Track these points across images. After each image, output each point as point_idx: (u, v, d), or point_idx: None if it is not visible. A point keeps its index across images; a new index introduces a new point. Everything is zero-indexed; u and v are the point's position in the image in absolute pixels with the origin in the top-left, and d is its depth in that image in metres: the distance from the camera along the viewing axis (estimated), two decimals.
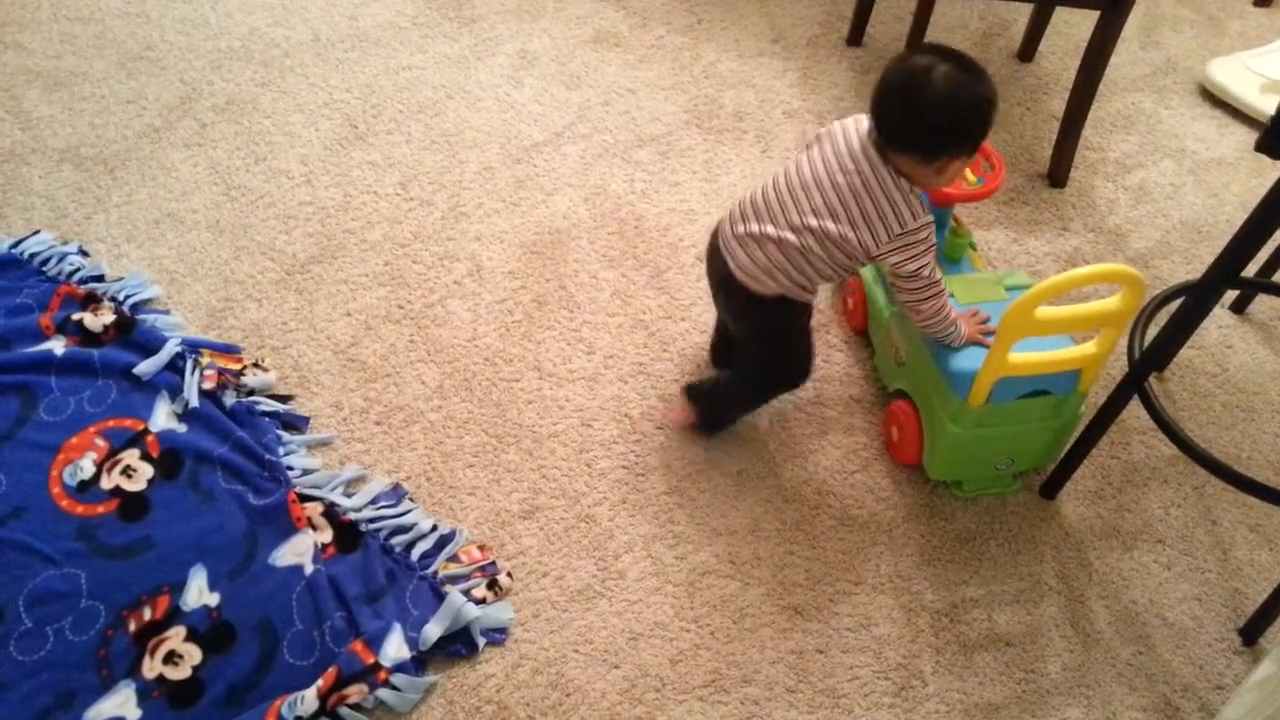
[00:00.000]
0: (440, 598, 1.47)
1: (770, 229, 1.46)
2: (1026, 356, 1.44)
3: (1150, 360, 1.48)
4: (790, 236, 1.45)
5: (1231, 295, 1.97)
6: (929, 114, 1.36)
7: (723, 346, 1.74)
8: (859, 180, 1.42)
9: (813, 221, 1.44)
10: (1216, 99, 2.41)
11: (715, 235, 1.55)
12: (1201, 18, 2.67)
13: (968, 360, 1.49)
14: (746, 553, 1.56)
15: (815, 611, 1.50)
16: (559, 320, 1.83)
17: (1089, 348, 1.47)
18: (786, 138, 2.21)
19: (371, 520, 1.55)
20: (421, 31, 2.37)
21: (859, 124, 1.46)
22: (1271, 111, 2.33)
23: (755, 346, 1.59)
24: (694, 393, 1.64)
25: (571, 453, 1.65)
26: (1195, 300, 1.44)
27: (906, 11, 2.36)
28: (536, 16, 2.44)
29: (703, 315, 1.85)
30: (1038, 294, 1.34)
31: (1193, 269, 2.03)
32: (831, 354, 1.82)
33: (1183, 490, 1.69)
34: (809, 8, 2.54)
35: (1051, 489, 1.66)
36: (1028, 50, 2.45)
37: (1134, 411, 1.73)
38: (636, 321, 1.84)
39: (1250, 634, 1.52)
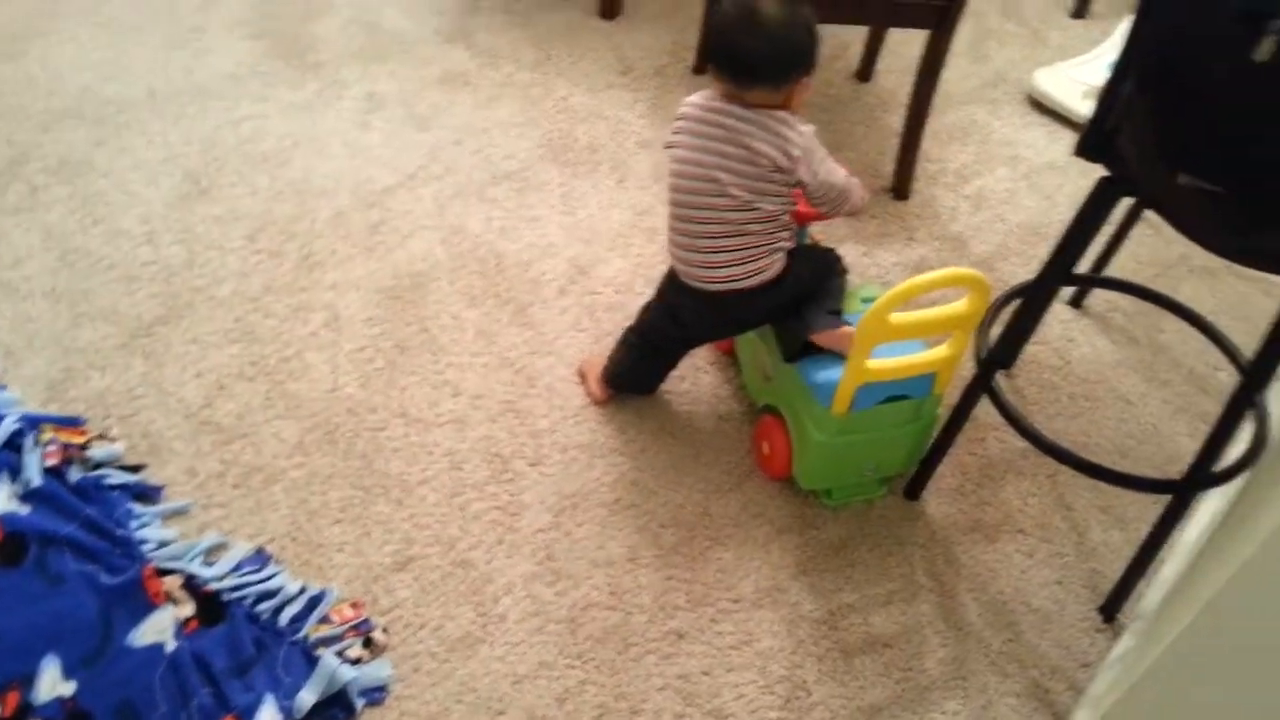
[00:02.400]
0: (313, 662, 1.42)
1: (708, 236, 1.52)
2: (884, 362, 1.49)
3: (996, 359, 1.54)
4: (724, 226, 1.50)
5: (1070, 291, 2.07)
6: (770, 45, 1.44)
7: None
8: (734, 135, 1.48)
9: (729, 196, 1.48)
10: (1044, 107, 2.54)
11: (684, 292, 1.59)
12: (1025, 31, 2.81)
13: (829, 371, 1.53)
14: (627, 582, 1.55)
15: (698, 634, 1.51)
16: (422, 364, 1.80)
17: (942, 350, 1.52)
18: (641, 167, 2.24)
19: (235, 588, 1.49)
20: (263, 80, 2.32)
21: (703, 99, 1.52)
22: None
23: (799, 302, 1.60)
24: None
25: (443, 498, 1.62)
26: (1031, 300, 1.51)
27: None
28: (382, 59, 2.42)
29: (568, 348, 1.86)
30: (889, 301, 1.39)
31: (1031, 269, 2.13)
32: (698, 375, 1.84)
33: (1037, 480, 1.76)
34: (655, 39, 2.59)
35: (915, 490, 1.71)
36: (865, 70, 2.54)
37: (987, 409, 1.80)
38: (502, 360, 1.83)
39: (1109, 611, 1.59)
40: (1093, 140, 1.29)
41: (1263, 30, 0.99)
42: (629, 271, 2.01)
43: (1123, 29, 2.72)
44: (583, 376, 1.80)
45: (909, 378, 1.53)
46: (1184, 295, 2.10)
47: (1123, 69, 1.20)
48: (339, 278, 1.93)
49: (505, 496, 1.63)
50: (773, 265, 1.55)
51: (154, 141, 2.15)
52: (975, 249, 2.16)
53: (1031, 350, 1.95)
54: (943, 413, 1.64)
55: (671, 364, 1.77)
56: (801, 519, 1.66)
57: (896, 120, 2.35)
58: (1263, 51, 1.00)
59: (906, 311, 1.44)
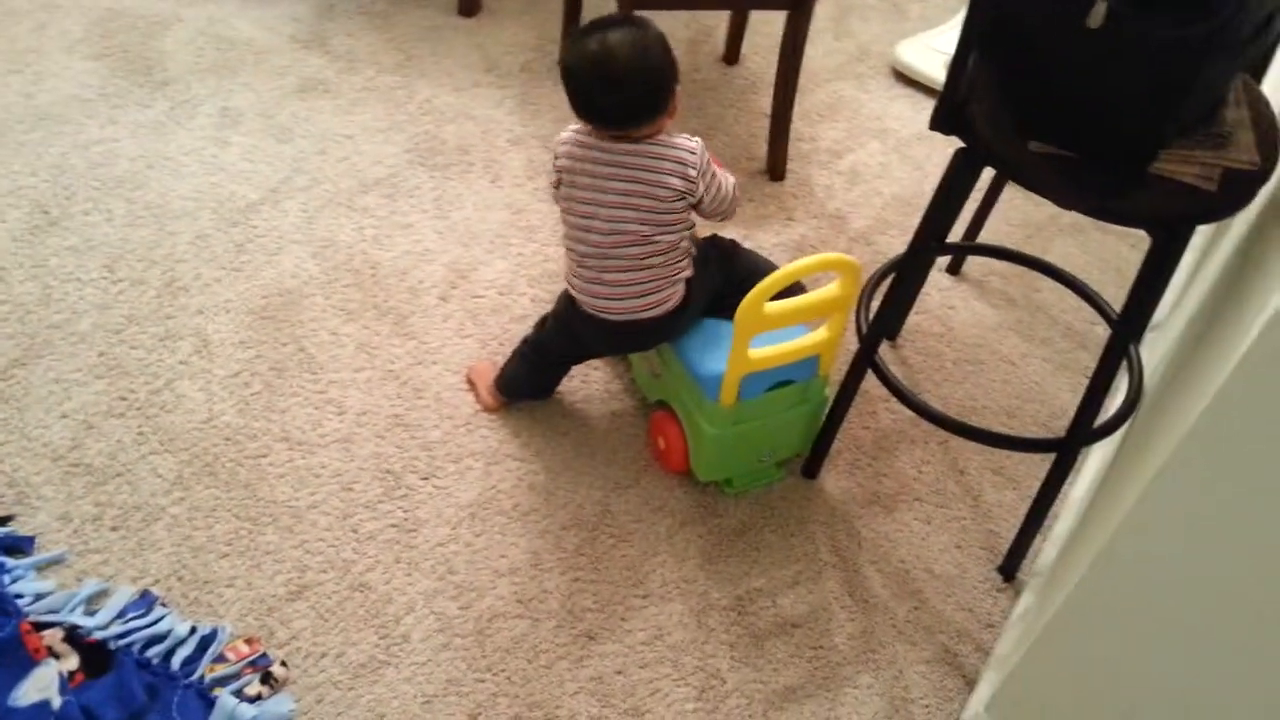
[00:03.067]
0: (210, 704, 1.36)
1: (612, 271, 1.50)
2: (765, 351, 1.49)
3: (876, 334, 1.55)
4: (627, 261, 1.49)
5: (948, 259, 2.11)
6: (636, 89, 1.42)
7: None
8: (630, 172, 1.46)
9: (630, 233, 1.47)
10: (908, 79, 2.59)
11: (587, 320, 1.56)
12: (885, 4, 2.86)
13: (714, 363, 1.53)
14: (532, 589, 1.53)
15: (608, 633, 1.49)
16: (302, 385, 1.74)
17: (821, 334, 1.53)
18: (514, 164, 2.20)
19: (121, 635, 1.42)
20: (110, 102, 2.21)
21: (584, 136, 1.49)
22: None
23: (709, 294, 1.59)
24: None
25: (335, 521, 1.57)
26: (904, 273, 1.53)
27: None
28: (234, 72, 2.33)
29: (454, 356, 1.81)
30: (761, 292, 1.39)
31: (909, 239, 2.16)
32: (590, 373, 1.82)
33: (929, 448, 1.79)
34: (518, 34, 2.55)
35: (812, 469, 1.72)
36: (732, 53, 2.55)
37: (875, 382, 1.82)
38: (385, 373, 1.78)
39: (1008, 570, 1.63)
40: (945, 114, 1.31)
41: None
42: (510, 272, 1.97)
43: None
44: (471, 384, 1.76)
45: (793, 363, 1.53)
46: (1055, 255, 2.17)
47: (966, 41, 1.22)
48: (206, 302, 1.84)
49: (400, 513, 1.59)
50: (676, 294, 1.54)
51: None
52: (853, 224, 2.19)
53: (914, 320, 1.98)
54: (831, 391, 1.65)
55: (564, 373, 1.75)
56: (703, 508, 1.66)
57: (766, 101, 2.36)
58: (1095, 17, 1.02)
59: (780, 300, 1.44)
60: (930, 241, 1.46)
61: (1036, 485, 1.56)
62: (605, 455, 1.71)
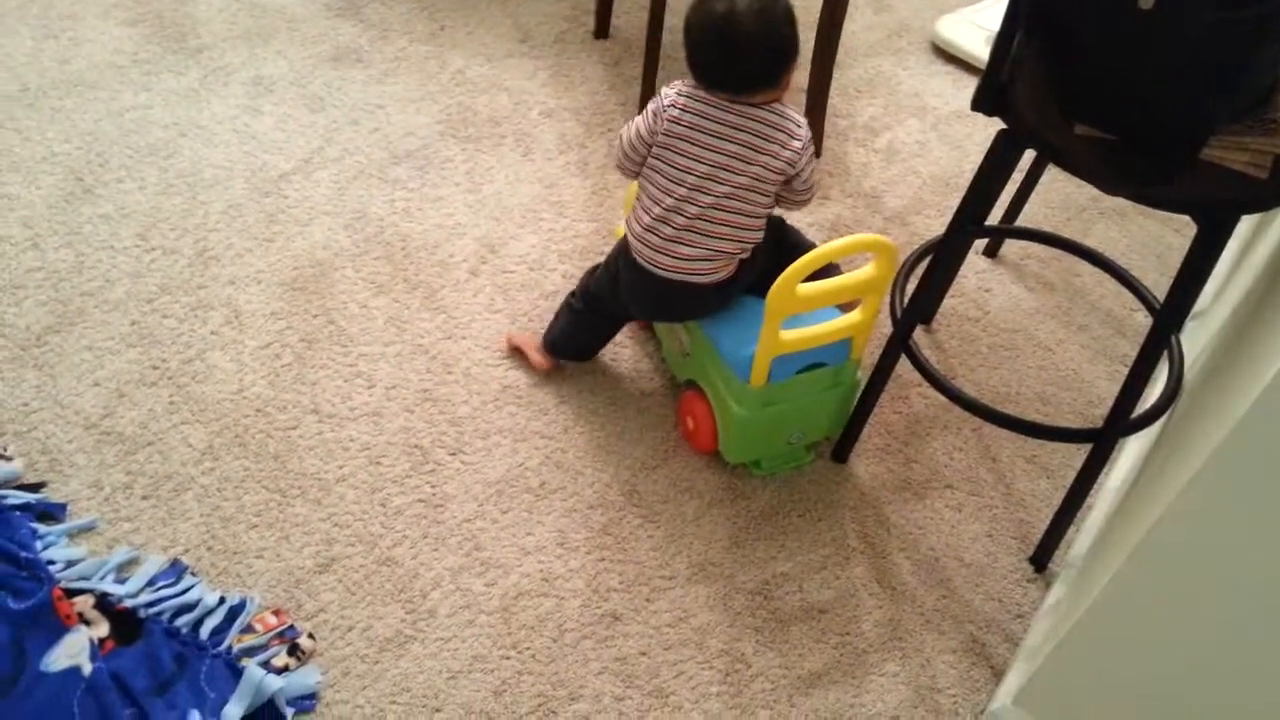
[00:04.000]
0: (238, 674, 1.37)
1: (687, 229, 1.48)
2: (797, 332, 1.47)
3: (911, 318, 1.53)
4: (708, 223, 1.48)
5: (985, 241, 2.08)
6: (760, 54, 1.42)
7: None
8: (738, 136, 1.45)
9: (722, 195, 1.46)
10: (949, 55, 2.54)
11: (636, 270, 1.54)
12: None
13: (745, 344, 1.51)
14: (558, 567, 1.52)
15: (633, 614, 1.49)
16: (332, 357, 1.74)
17: (855, 316, 1.51)
18: (547, 138, 2.18)
19: (150, 604, 1.43)
20: (143, 69, 2.20)
21: (693, 93, 1.47)
22: None
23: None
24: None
25: (363, 495, 1.57)
26: (941, 255, 1.50)
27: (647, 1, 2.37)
28: (268, 39, 2.32)
29: (483, 331, 1.81)
30: (794, 273, 1.37)
31: (946, 221, 2.12)
32: (619, 351, 1.81)
33: (962, 434, 1.77)
34: (552, 4, 2.52)
35: (842, 453, 1.70)
36: None
37: (908, 366, 1.80)
38: (415, 347, 1.77)
39: (1040, 561, 1.61)
40: (987, 94, 1.28)
41: None
42: (541, 248, 1.96)
43: None
44: (516, 350, 1.76)
45: (825, 345, 1.51)
46: (1095, 238, 2.13)
47: (1011, 21, 1.19)
48: (238, 272, 1.85)
49: (427, 489, 1.59)
50: (730, 268, 1.53)
51: (30, 139, 2.03)
52: (889, 204, 2.15)
53: (950, 304, 1.95)
54: (864, 375, 1.63)
55: (613, 331, 1.74)
56: (731, 490, 1.64)
57: (803, 76, 2.32)
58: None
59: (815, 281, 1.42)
60: (968, 224, 1.43)
61: (1071, 474, 1.53)
62: (633, 434, 1.70)
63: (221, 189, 1.98)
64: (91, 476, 1.55)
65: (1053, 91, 1.17)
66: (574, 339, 1.72)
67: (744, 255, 1.54)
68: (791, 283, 1.38)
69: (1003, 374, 1.87)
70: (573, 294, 1.70)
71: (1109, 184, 1.20)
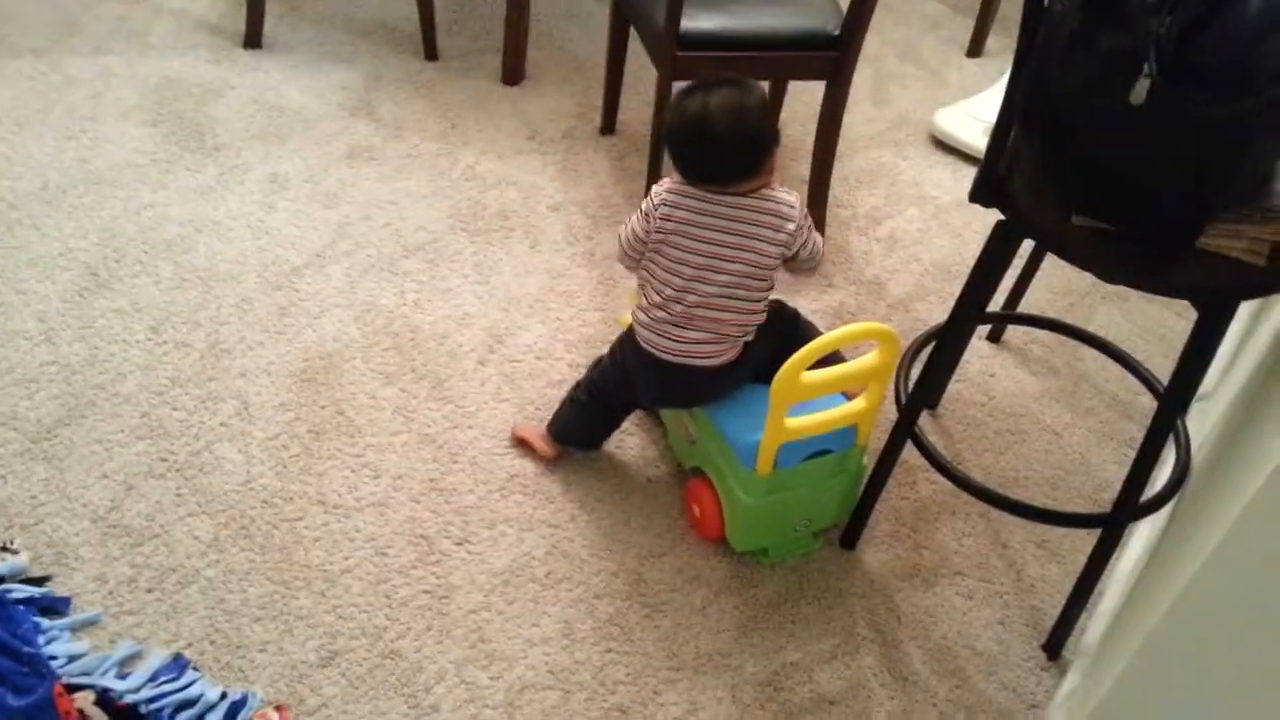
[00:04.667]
0: None
1: (690, 318, 1.51)
2: (803, 420, 1.47)
3: (916, 404, 1.54)
4: (710, 309, 1.51)
5: (987, 326, 2.09)
6: (736, 148, 1.47)
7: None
8: (731, 226, 1.49)
9: (720, 285, 1.50)
10: (947, 146, 2.59)
11: (643, 358, 1.57)
12: (924, 72, 2.87)
13: (750, 431, 1.51)
14: (564, 659, 1.51)
15: (640, 708, 1.46)
16: (340, 448, 1.75)
17: (859, 403, 1.51)
18: (554, 230, 2.22)
19: (151, 700, 1.41)
20: (161, 167, 2.26)
21: (684, 188, 1.51)
22: None
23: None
24: None
25: (368, 586, 1.56)
26: (944, 342, 1.51)
27: (652, 97, 2.43)
28: (284, 138, 2.38)
29: (490, 420, 1.82)
30: (799, 361, 1.38)
31: (948, 307, 2.12)
32: (624, 437, 1.81)
33: (971, 519, 1.76)
34: (560, 101, 2.59)
35: (850, 539, 1.69)
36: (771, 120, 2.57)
37: (915, 452, 1.80)
38: (422, 436, 1.78)
39: (1053, 648, 1.58)
40: (985, 186, 1.30)
41: (1136, 73, 1.01)
42: (548, 337, 1.98)
43: None
44: (521, 441, 1.77)
45: (830, 432, 1.52)
46: (1098, 323, 2.14)
47: (1007, 114, 1.22)
48: (248, 364, 1.87)
49: (433, 579, 1.58)
50: (735, 349, 1.55)
51: (49, 235, 2.07)
52: (892, 291, 2.18)
53: (955, 388, 1.96)
54: (870, 460, 1.63)
55: (619, 421, 1.75)
56: (739, 578, 1.63)
57: (805, 168, 2.37)
58: (1138, 94, 1.01)
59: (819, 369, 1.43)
60: (971, 311, 1.45)
61: (1082, 560, 1.52)
62: (640, 522, 1.69)
63: (235, 283, 2.02)
64: (97, 570, 1.55)
65: (1049, 183, 1.19)
66: (580, 429, 1.73)
67: (747, 337, 1.56)
68: (796, 371, 1.39)
69: (1010, 459, 1.87)
70: (577, 386, 1.72)
71: (1107, 273, 1.21)
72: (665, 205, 1.52)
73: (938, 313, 2.14)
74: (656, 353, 1.55)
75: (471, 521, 1.66)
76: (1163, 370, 1.48)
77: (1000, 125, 1.23)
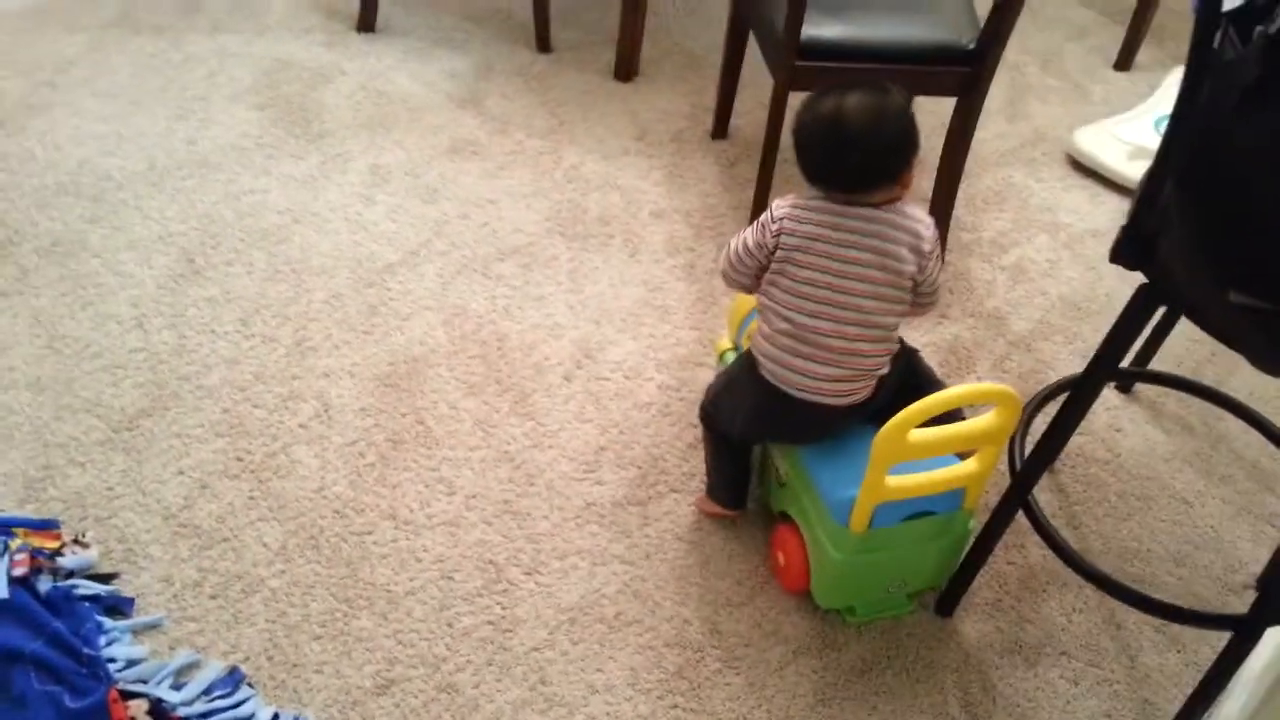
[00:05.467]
0: None
1: (825, 347, 1.38)
2: (905, 479, 1.35)
3: (1033, 471, 1.40)
4: (848, 342, 1.39)
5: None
6: (876, 150, 1.35)
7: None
8: (867, 241, 1.37)
9: (859, 310, 1.37)
10: (1086, 168, 2.39)
11: (773, 394, 1.43)
12: (1067, 85, 2.67)
13: (846, 485, 1.39)
14: (626, 711, 1.42)
15: None
16: (416, 459, 1.69)
17: (970, 465, 1.38)
18: (655, 239, 2.12)
19: (204, 715, 1.38)
20: (266, 152, 2.24)
21: (811, 203, 1.39)
22: (1138, 176, 2.33)
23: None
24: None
25: (431, 611, 1.50)
26: (1070, 405, 1.37)
27: (769, 100, 2.31)
28: (389, 128, 2.34)
29: (571, 441, 1.74)
30: (908, 420, 1.26)
31: (1074, 349, 1.98)
32: None
33: (1083, 594, 1.60)
34: (672, 102, 2.48)
35: (948, 606, 1.56)
36: None
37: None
38: (500, 454, 1.71)
39: None
40: (1130, 246, 1.16)
41: None
42: (639, 354, 1.89)
43: (1169, 83, 2.57)
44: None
45: (936, 493, 1.39)
46: (1240, 379, 1.94)
47: (1161, 170, 1.07)
48: (333, 364, 1.83)
49: (498, 610, 1.51)
50: (869, 387, 1.43)
51: (150, 218, 2.07)
52: (1014, 327, 2.02)
53: (1076, 442, 1.80)
54: (977, 523, 1.49)
55: (745, 460, 1.62)
56: (821, 638, 1.52)
57: (928, 185, 2.22)
58: None
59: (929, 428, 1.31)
60: (1105, 372, 1.30)
61: (1206, 650, 1.38)
62: (719, 565, 1.59)
63: (327, 277, 1.98)
64: (164, 570, 1.53)
65: (1204, 252, 1.04)
66: (715, 475, 1.62)
67: (883, 370, 1.43)
68: (904, 430, 1.26)
69: (1132, 527, 1.70)
70: (703, 417, 1.59)
71: (1264, 360, 1.06)
72: (787, 220, 1.39)
73: (1063, 355, 1.97)
74: (783, 387, 1.43)
75: (543, 550, 1.59)
76: None
77: (1153, 178, 1.09)
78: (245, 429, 1.72)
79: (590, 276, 2.04)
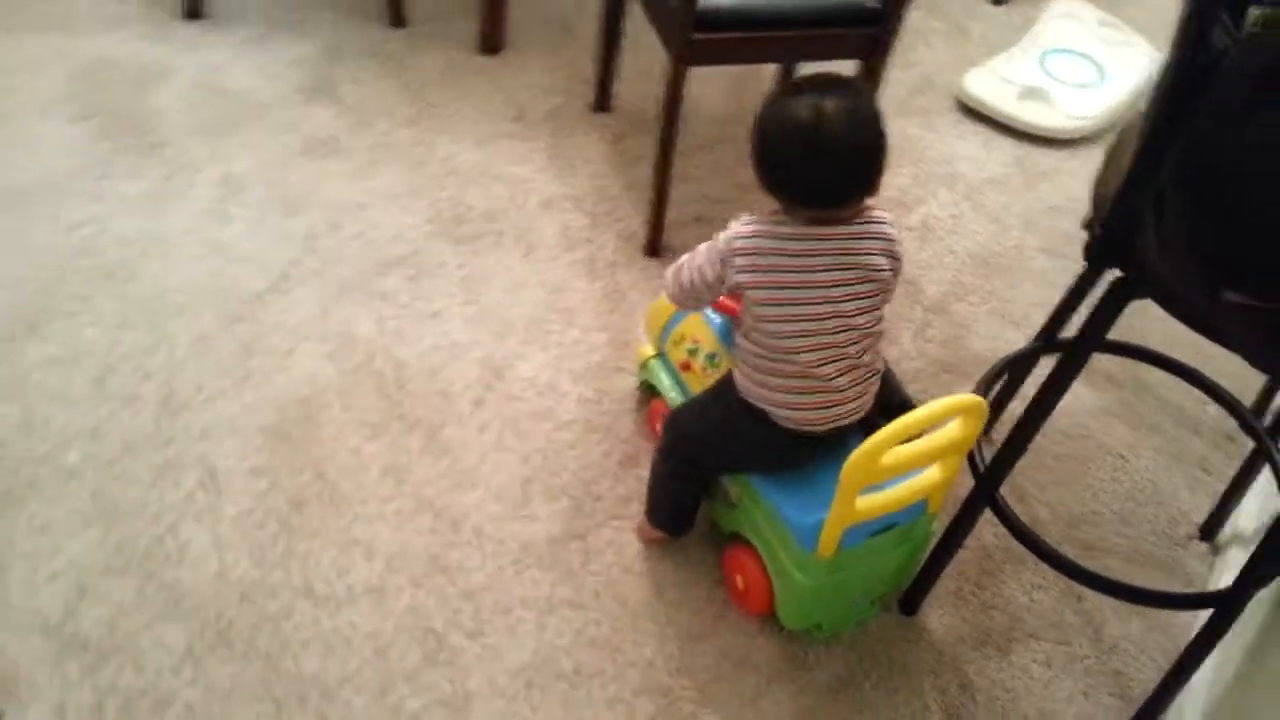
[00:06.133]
0: None
1: (836, 376, 1.28)
2: (874, 499, 1.27)
3: (997, 473, 1.34)
4: (848, 360, 1.28)
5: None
6: (859, 163, 1.20)
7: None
8: (847, 256, 1.24)
9: (853, 328, 1.26)
10: (977, 113, 2.34)
11: (798, 440, 1.32)
12: (948, 26, 2.61)
13: (810, 510, 1.30)
14: None
15: None
16: (324, 522, 1.52)
17: (934, 475, 1.31)
18: (548, 232, 1.97)
19: None
20: (94, 173, 1.97)
21: (777, 225, 1.24)
22: (1030, 119, 2.29)
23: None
24: None
25: (371, 700, 1.35)
26: (1012, 378, 1.31)
27: (652, 70, 2.15)
28: (235, 130, 2.09)
29: (494, 475, 1.59)
30: (879, 446, 1.17)
31: (991, 309, 1.94)
32: None
33: (1040, 570, 1.57)
34: (546, 74, 2.30)
35: (912, 605, 1.51)
36: None
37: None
38: (418, 502, 1.56)
39: None
40: (1102, 248, 1.08)
41: None
42: (551, 366, 1.75)
43: (1048, 16, 2.54)
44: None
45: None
46: (1147, 327, 1.93)
47: (1148, 166, 0.98)
48: (210, 420, 1.62)
49: (446, 687, 1.37)
50: (871, 396, 1.35)
51: None
52: (928, 291, 1.96)
53: (1009, 408, 1.75)
54: (938, 520, 1.43)
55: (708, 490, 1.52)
56: (791, 660, 1.44)
57: None
58: None
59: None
60: (1071, 373, 1.24)
61: (1165, 614, 1.35)
62: (674, 595, 1.49)
63: (189, 317, 1.75)
64: (55, 698, 1.32)
65: (1200, 250, 0.97)
66: (666, 506, 1.50)
67: (878, 378, 1.35)
68: (875, 457, 1.17)
69: (1075, 491, 1.68)
70: (660, 453, 1.46)
71: (1261, 359, 1.00)
72: (744, 254, 1.24)
73: (980, 315, 1.93)
74: (805, 427, 1.31)
75: (483, 607, 1.45)
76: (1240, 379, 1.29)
77: (1135, 177, 1.00)
78: (121, 512, 1.50)
79: (485, 283, 1.87)
